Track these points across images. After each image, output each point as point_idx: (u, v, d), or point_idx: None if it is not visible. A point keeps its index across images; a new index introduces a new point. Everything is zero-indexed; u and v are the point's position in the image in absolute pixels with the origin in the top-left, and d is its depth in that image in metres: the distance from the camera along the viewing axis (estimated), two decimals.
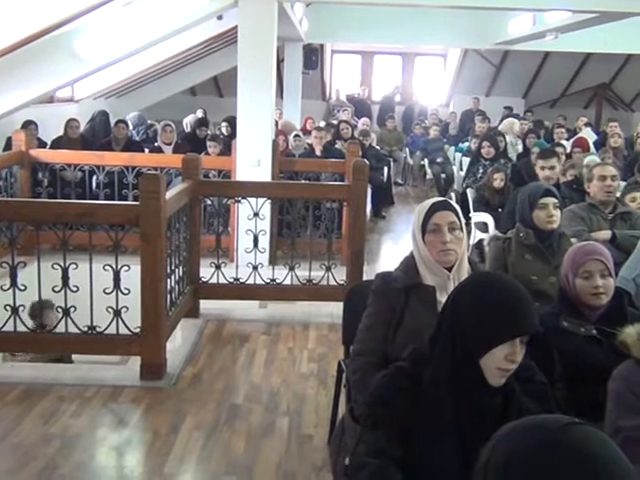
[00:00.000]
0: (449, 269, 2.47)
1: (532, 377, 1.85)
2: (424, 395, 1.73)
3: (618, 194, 4.78)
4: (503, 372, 1.71)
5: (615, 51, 13.76)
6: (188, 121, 11.08)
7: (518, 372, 1.74)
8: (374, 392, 1.82)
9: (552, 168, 5.85)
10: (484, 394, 1.72)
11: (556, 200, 3.52)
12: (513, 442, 0.99)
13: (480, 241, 6.14)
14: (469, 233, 7.01)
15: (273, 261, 6.21)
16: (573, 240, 3.68)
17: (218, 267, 5.38)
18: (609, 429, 1.87)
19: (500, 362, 1.70)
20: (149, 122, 10.96)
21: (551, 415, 1.03)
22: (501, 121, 12.28)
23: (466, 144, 11.01)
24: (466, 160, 9.41)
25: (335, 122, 11.24)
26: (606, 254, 2.68)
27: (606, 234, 4.21)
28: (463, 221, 2.58)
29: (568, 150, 8.52)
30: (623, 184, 5.97)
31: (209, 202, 5.92)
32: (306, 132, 10.14)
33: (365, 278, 5.05)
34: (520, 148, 9.81)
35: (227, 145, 7.86)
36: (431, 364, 1.77)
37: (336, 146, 9.18)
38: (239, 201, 5.61)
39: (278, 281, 5.44)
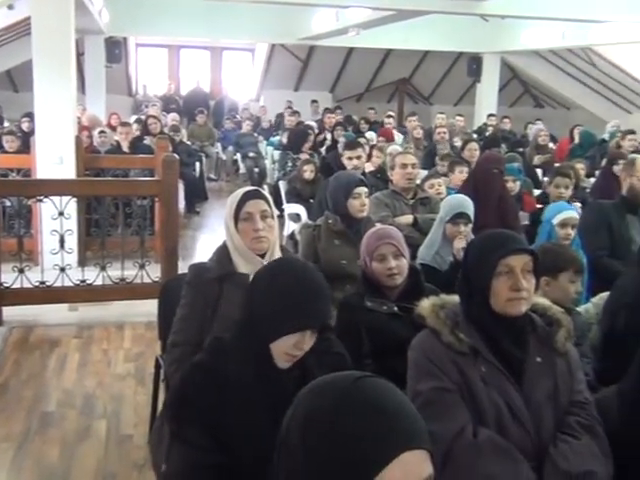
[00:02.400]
0: (262, 256, 2.51)
1: (329, 349, 1.93)
2: (228, 384, 1.76)
3: (418, 181, 5.11)
4: (290, 357, 1.78)
5: (414, 47, 14.61)
6: None
7: (315, 344, 1.82)
8: (173, 394, 1.83)
9: (359, 158, 6.13)
10: (280, 371, 1.79)
11: (367, 190, 3.74)
12: (310, 400, 1.04)
13: (294, 232, 6.31)
14: (282, 225, 7.16)
15: (83, 262, 5.96)
16: (378, 225, 3.89)
17: (22, 271, 5.08)
18: (410, 394, 2.00)
19: (289, 348, 1.77)
20: None
21: (344, 372, 1.08)
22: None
23: (277, 138, 11.20)
24: (277, 153, 9.58)
25: (143, 117, 10.96)
26: (397, 237, 2.87)
27: (408, 219, 4.49)
28: (275, 210, 2.64)
29: (374, 142, 8.96)
30: (423, 172, 6.39)
31: (8, 203, 5.56)
32: (112, 128, 9.79)
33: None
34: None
35: (27, 142, 7.40)
36: (232, 350, 1.80)
37: (145, 142, 8.96)
38: (41, 200, 5.30)
39: (89, 282, 5.23)
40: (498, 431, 1.96)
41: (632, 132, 8.60)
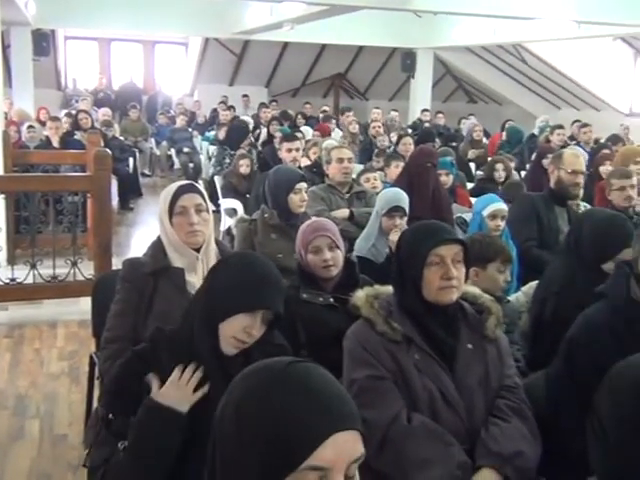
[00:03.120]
0: (197, 250, 2.50)
1: (270, 340, 1.96)
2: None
3: (354, 176, 5.16)
4: (238, 342, 1.80)
5: (348, 42, 14.69)
6: None
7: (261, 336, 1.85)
8: (111, 381, 1.83)
9: (298, 150, 6.13)
10: (224, 358, 1.80)
11: (307, 185, 3.78)
12: (243, 385, 1.06)
13: (230, 227, 6.27)
14: (219, 220, 7.12)
15: (12, 260, 5.80)
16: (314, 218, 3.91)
17: None
18: (345, 382, 2.04)
19: (237, 332, 1.79)
20: None
21: (276, 358, 1.10)
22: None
23: (212, 133, 11.11)
24: (213, 149, 9.51)
25: (74, 112, 10.71)
26: (332, 229, 2.91)
27: (344, 212, 4.53)
28: (210, 204, 2.63)
29: (310, 136, 8.98)
30: (359, 167, 6.46)
31: None
32: (41, 123, 9.54)
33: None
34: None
35: None
36: (175, 339, 1.81)
37: (75, 137, 8.76)
38: None
39: (19, 280, 5.10)
40: (431, 416, 2.01)
41: (561, 127, 8.86)
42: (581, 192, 4.23)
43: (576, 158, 4.26)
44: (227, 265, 1.91)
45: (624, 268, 2.24)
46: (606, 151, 6.83)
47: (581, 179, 4.20)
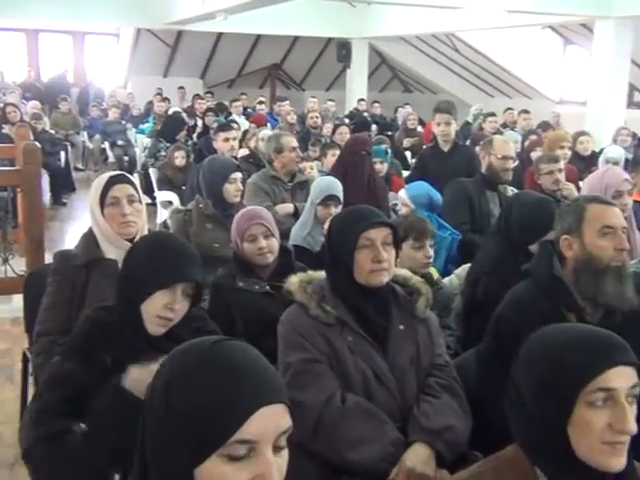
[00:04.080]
0: (131, 241, 2.48)
1: (202, 327, 1.97)
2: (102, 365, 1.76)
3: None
4: (162, 320, 1.80)
5: (283, 33, 14.65)
6: None
7: (190, 322, 1.85)
8: (47, 380, 1.82)
9: (234, 139, 6.09)
10: (151, 338, 1.81)
11: (242, 175, 3.78)
12: (171, 364, 1.09)
13: (166, 220, 6.20)
14: (154, 213, 7.05)
15: None
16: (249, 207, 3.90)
17: None
18: (280, 367, 2.07)
19: (160, 310, 1.79)
20: None
21: (203, 337, 1.13)
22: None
23: (147, 125, 10.94)
24: (148, 141, 9.37)
25: (1, 105, 10.39)
26: (267, 217, 2.92)
27: (288, 209, 4.48)
28: (142, 194, 2.61)
29: (246, 127, 8.95)
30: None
31: None
32: None
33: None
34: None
35: None
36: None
37: (3, 131, 8.52)
38: None
39: None
40: (365, 396, 2.05)
41: (493, 114, 9.08)
42: (511, 176, 4.34)
43: (506, 144, 4.36)
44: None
45: (547, 247, 2.32)
46: (535, 137, 7.03)
47: (511, 164, 4.31)
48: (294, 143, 4.72)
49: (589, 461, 1.31)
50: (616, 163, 5.43)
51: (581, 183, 4.19)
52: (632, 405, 1.31)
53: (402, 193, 4.17)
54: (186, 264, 1.84)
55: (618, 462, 1.30)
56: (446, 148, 5.01)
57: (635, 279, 2.49)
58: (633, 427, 1.29)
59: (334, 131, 7.78)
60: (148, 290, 1.79)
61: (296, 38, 16.35)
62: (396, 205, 4.74)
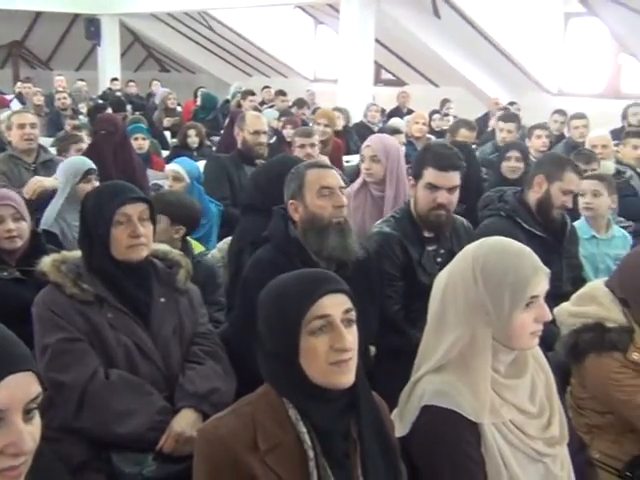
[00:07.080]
0: None
1: None
2: None
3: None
4: None
5: (21, 8, 13.67)
6: None
7: None
8: None
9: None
10: None
11: None
12: None
13: None
14: None
15: None
16: None
17: None
18: (38, 349, 2.01)
19: None
20: None
21: None
22: None
23: None
24: None
25: None
26: (16, 199, 2.77)
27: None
28: None
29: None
30: (49, 140, 6.03)
31: None
32: None
33: None
34: None
35: None
36: None
37: None
38: None
39: None
40: (130, 370, 2.06)
41: (252, 93, 9.21)
42: (265, 151, 4.50)
43: (257, 119, 4.53)
44: None
45: (280, 212, 2.52)
46: (288, 117, 7.29)
47: (264, 139, 4.48)
48: (24, 119, 4.33)
49: (323, 383, 1.46)
50: (397, 131, 5.80)
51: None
52: (350, 327, 1.49)
53: (175, 167, 4.14)
54: None
55: (346, 378, 1.47)
56: None
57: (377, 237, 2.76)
58: (349, 344, 1.46)
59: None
60: None
61: (38, 14, 15.32)
62: (156, 185, 4.70)
